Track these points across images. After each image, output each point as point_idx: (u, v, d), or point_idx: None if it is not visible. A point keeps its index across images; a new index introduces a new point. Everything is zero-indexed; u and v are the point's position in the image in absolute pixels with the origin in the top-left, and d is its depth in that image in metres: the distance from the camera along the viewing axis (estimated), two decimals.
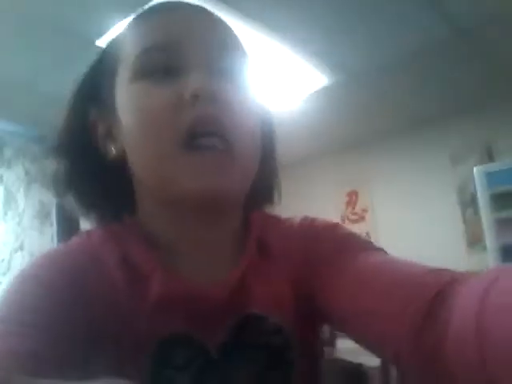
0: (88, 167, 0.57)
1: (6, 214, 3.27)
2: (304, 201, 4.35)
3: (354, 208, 4.24)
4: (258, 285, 0.54)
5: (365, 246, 0.55)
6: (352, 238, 0.57)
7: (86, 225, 0.78)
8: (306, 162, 4.33)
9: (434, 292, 0.43)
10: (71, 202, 0.58)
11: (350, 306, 0.50)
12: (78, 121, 0.57)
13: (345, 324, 0.52)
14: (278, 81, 2.93)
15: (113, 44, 0.58)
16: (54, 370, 0.39)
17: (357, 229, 4.12)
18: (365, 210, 4.17)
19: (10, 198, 3.31)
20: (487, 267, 1.64)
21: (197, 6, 0.55)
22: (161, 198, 0.52)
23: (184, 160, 0.48)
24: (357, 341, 0.52)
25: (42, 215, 3.36)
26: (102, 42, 2.42)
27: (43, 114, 3.22)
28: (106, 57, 0.58)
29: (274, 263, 0.57)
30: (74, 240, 0.55)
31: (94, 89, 0.57)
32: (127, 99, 0.52)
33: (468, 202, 3.54)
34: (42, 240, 3.29)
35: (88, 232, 0.56)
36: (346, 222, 4.24)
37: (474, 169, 1.22)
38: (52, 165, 0.58)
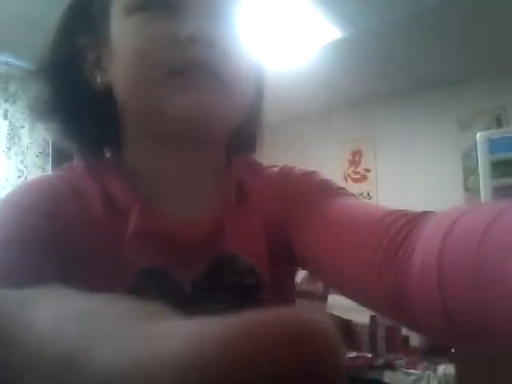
0: (72, 94, 0.56)
1: (9, 149, 3.27)
2: (307, 156, 4.34)
3: (356, 167, 4.23)
4: (234, 228, 0.55)
5: (339, 191, 0.56)
6: (327, 183, 0.58)
7: None
8: (311, 117, 4.29)
9: (393, 230, 0.44)
10: (53, 129, 0.58)
11: (318, 247, 0.51)
12: (65, 46, 0.56)
13: (316, 266, 0.54)
14: (288, 31, 2.86)
15: None
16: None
17: (358, 188, 4.14)
18: (367, 170, 4.17)
19: (13, 134, 3.30)
20: None
21: None
22: (147, 126, 0.53)
23: (172, 83, 0.49)
24: (327, 283, 0.55)
25: (45, 153, 3.36)
26: None
27: None
28: None
29: (251, 208, 0.57)
30: (57, 172, 0.56)
31: (86, 16, 0.56)
32: (123, 31, 0.51)
33: (472, 170, 3.53)
34: None
35: (70, 165, 0.57)
36: (348, 180, 4.25)
37: (478, 134, 1.20)
38: (34, 88, 0.57)
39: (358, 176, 4.22)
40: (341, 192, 0.56)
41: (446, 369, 2.41)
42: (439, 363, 2.50)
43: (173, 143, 0.53)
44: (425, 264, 0.39)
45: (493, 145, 1.17)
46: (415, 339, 2.90)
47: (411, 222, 0.44)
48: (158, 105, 0.49)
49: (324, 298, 2.86)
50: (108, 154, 0.62)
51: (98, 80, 0.55)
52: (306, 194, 0.57)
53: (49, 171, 3.26)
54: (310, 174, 0.60)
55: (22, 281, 0.40)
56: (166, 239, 0.52)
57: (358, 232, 0.47)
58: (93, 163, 0.56)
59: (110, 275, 0.50)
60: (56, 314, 0.24)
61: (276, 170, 0.62)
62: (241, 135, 0.61)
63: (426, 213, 0.45)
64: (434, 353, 2.67)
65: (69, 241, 0.49)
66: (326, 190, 0.56)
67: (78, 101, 0.57)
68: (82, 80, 0.56)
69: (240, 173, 0.60)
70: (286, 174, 0.61)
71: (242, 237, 0.55)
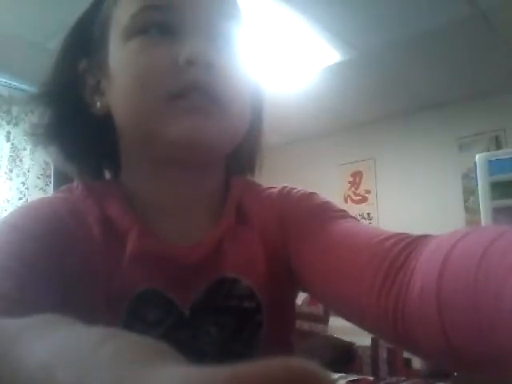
0: (71, 118, 0.57)
1: (11, 171, 3.28)
2: (307, 177, 4.35)
3: (357, 189, 4.24)
4: (233, 249, 0.55)
5: (339, 213, 0.56)
6: (327, 205, 0.58)
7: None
8: (311, 139, 4.32)
9: (393, 253, 0.44)
10: (53, 152, 0.58)
11: (319, 269, 0.51)
12: (66, 70, 0.57)
13: (316, 287, 0.54)
14: (289, 54, 2.90)
15: None
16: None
17: (358, 209, 4.14)
18: (368, 191, 4.17)
19: (15, 156, 3.32)
20: None
21: None
22: (145, 150, 0.53)
23: (172, 107, 0.48)
24: (327, 305, 0.54)
25: (46, 175, 3.37)
26: None
27: None
28: (100, 7, 0.57)
29: (251, 229, 0.57)
30: (56, 194, 0.55)
31: (86, 40, 0.57)
32: (122, 56, 0.51)
33: (471, 190, 3.54)
34: None
35: (69, 187, 0.57)
36: (349, 201, 4.25)
37: (477, 156, 1.21)
38: (35, 112, 0.57)
39: (358, 197, 4.23)
40: (341, 214, 0.56)
41: None
42: None
43: (171, 166, 0.53)
44: (424, 287, 0.39)
45: (492, 166, 1.18)
46: (417, 362, 2.87)
47: (411, 244, 0.45)
48: (157, 130, 0.49)
49: (325, 321, 2.84)
50: (107, 175, 0.63)
51: (98, 105, 0.55)
52: (305, 215, 0.57)
53: (50, 193, 3.27)
54: (309, 196, 0.60)
55: (20, 305, 0.40)
56: (164, 261, 0.51)
57: (358, 254, 0.47)
58: (92, 185, 0.56)
59: (108, 297, 0.49)
60: (47, 352, 0.23)
61: (276, 190, 0.62)
62: (239, 157, 0.61)
63: (425, 236, 0.45)
64: (436, 376, 2.64)
65: (68, 263, 0.48)
66: (326, 211, 0.56)
67: (77, 125, 0.57)
68: (82, 104, 0.56)
69: (239, 194, 0.59)
70: (286, 194, 0.61)
71: (241, 258, 0.55)
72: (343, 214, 0.56)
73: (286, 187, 0.62)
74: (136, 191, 0.55)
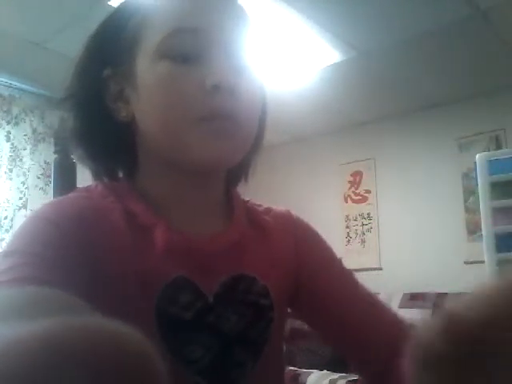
0: (93, 122, 0.60)
1: (11, 171, 3.28)
2: (307, 177, 4.36)
3: (357, 188, 4.24)
4: (251, 250, 0.62)
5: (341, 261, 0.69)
6: (329, 248, 0.70)
7: (81, 184, 0.80)
8: (311, 139, 4.32)
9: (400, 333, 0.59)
10: (75, 153, 0.62)
11: (334, 312, 0.64)
12: (89, 76, 0.60)
13: (322, 309, 0.65)
14: (289, 54, 2.90)
15: (139, 8, 0.59)
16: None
17: (358, 209, 4.14)
18: (368, 191, 4.18)
19: (15, 156, 3.32)
20: (484, 255, 1.66)
21: None
22: (169, 162, 0.58)
23: (197, 131, 0.53)
24: (325, 340, 0.68)
25: (46, 175, 3.38)
26: (114, 2, 2.40)
27: (53, 73, 3.21)
28: (129, 18, 0.59)
29: (267, 237, 0.64)
30: (76, 193, 0.58)
31: (110, 49, 0.59)
32: (151, 75, 0.55)
33: (471, 190, 3.54)
34: (46, 200, 3.31)
35: (88, 188, 0.60)
36: (349, 201, 4.25)
37: (477, 156, 1.22)
38: (60, 116, 0.62)
39: (358, 197, 4.23)
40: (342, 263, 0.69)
41: None
42: None
43: (186, 173, 0.59)
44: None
45: (492, 166, 1.19)
46: None
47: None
48: (183, 150, 0.55)
49: None
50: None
51: (121, 112, 0.59)
52: (320, 249, 0.68)
53: (50, 193, 3.26)
54: (316, 232, 0.71)
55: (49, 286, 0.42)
56: (190, 251, 0.56)
57: (377, 311, 0.64)
58: (110, 185, 0.60)
59: (136, 288, 0.52)
60: None
61: (285, 211, 0.70)
62: (238, 165, 0.65)
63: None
64: None
65: (96, 257, 0.51)
66: (335, 256, 0.69)
67: (98, 128, 0.60)
68: (104, 109, 0.59)
69: (243, 202, 0.67)
70: (297, 219, 0.70)
71: (259, 260, 0.62)
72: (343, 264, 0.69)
73: (290, 213, 0.71)
74: (151, 191, 0.59)
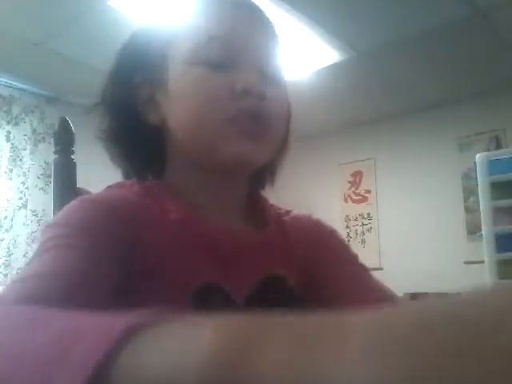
0: (125, 125, 0.63)
1: (11, 171, 3.28)
2: (307, 177, 4.36)
3: (357, 188, 4.24)
4: (281, 252, 0.63)
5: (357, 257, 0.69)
6: (346, 246, 0.71)
7: (81, 184, 0.80)
8: (311, 139, 4.32)
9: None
10: (109, 153, 0.65)
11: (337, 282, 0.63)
12: (122, 82, 0.63)
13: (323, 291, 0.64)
14: (288, 54, 2.90)
15: (171, 17, 0.62)
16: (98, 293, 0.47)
17: (358, 209, 4.14)
18: (368, 191, 4.18)
19: (15, 156, 3.32)
20: (483, 255, 1.65)
21: (258, 7, 0.64)
22: (197, 161, 0.60)
23: (225, 131, 0.56)
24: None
25: (47, 175, 3.37)
26: (114, 2, 2.40)
27: (53, 73, 3.22)
28: (162, 27, 0.63)
29: (287, 238, 0.66)
30: (113, 190, 0.60)
31: (142, 55, 0.62)
32: (184, 81, 0.58)
33: (471, 190, 3.54)
34: (46, 199, 3.31)
35: (123, 184, 0.62)
36: (349, 201, 4.25)
37: (477, 156, 1.21)
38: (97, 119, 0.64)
39: (358, 197, 4.23)
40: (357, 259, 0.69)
41: None
42: None
43: (215, 173, 0.61)
44: None
45: (492, 166, 1.18)
46: None
47: None
48: (212, 151, 0.57)
49: None
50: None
51: (152, 115, 0.61)
52: (338, 250, 0.68)
53: (50, 193, 3.26)
54: (336, 233, 0.71)
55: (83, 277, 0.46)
56: (223, 247, 0.58)
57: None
58: (145, 184, 0.62)
59: (169, 288, 0.53)
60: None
61: (305, 214, 0.72)
62: (265, 167, 0.68)
63: None
64: None
65: (136, 247, 0.53)
66: (352, 254, 0.69)
67: (130, 131, 0.63)
68: (135, 113, 0.62)
69: (270, 204, 0.69)
70: (317, 222, 0.71)
71: (287, 261, 0.63)
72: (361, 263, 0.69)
73: (310, 216, 0.72)
74: (180, 190, 0.61)
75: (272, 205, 0.70)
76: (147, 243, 0.54)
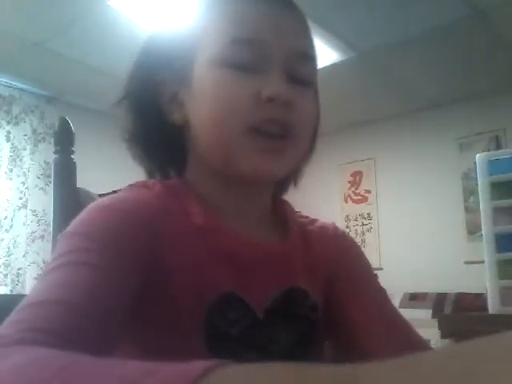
0: (148, 123, 0.62)
1: (11, 171, 3.29)
2: (307, 177, 4.35)
3: (357, 188, 4.24)
4: (303, 263, 0.61)
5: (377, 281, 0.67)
6: (369, 265, 0.69)
7: (81, 184, 0.80)
8: None
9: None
10: (132, 153, 0.63)
11: (355, 314, 0.61)
12: (145, 78, 0.61)
13: (347, 335, 0.62)
14: None
15: (199, 15, 0.60)
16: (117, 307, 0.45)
17: (358, 209, 4.14)
18: (368, 191, 4.18)
19: (15, 156, 3.32)
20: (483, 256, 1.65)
21: (289, 2, 0.59)
22: (217, 167, 0.58)
23: (248, 142, 0.54)
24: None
25: (47, 175, 3.37)
26: (114, 2, 2.40)
27: (53, 73, 3.22)
28: (189, 24, 0.60)
29: (315, 253, 0.64)
30: (137, 190, 0.58)
31: (165, 52, 0.60)
32: (209, 82, 0.56)
33: (471, 190, 3.54)
34: (46, 199, 3.32)
35: (145, 184, 0.60)
36: (349, 201, 4.25)
37: (477, 156, 1.21)
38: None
39: (358, 197, 4.23)
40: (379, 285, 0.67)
41: None
42: None
43: (233, 181, 0.59)
44: None
45: (492, 166, 1.18)
46: None
47: None
48: (233, 161, 0.55)
49: None
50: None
51: (175, 114, 0.59)
52: (357, 267, 0.66)
53: (50, 193, 3.27)
54: (358, 247, 0.69)
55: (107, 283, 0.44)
56: (244, 257, 0.56)
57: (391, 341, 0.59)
58: (167, 183, 0.60)
59: (187, 296, 0.52)
60: None
61: (331, 226, 0.69)
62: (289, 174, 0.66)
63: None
64: None
65: (152, 249, 0.51)
66: (370, 272, 0.67)
67: (153, 130, 0.62)
68: (158, 112, 0.60)
69: (294, 214, 0.66)
70: (341, 236, 0.69)
71: (309, 274, 0.61)
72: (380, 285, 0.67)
73: (336, 226, 0.70)
74: (200, 192, 0.59)
75: (297, 212, 0.68)
76: (167, 252, 0.52)
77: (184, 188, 0.59)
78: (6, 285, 3.12)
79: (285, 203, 0.67)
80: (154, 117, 0.61)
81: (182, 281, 0.52)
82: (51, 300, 0.41)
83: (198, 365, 0.25)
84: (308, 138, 0.60)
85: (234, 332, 0.53)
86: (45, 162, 3.40)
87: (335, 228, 0.69)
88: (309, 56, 0.59)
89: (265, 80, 0.54)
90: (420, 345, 0.59)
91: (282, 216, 0.65)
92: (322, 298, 0.62)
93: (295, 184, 0.69)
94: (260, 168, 0.54)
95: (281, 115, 0.54)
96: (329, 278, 0.64)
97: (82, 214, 0.51)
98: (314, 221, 0.69)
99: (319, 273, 0.63)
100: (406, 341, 0.59)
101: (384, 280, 0.66)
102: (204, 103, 0.56)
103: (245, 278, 0.56)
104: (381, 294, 0.64)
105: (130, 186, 0.59)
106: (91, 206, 0.53)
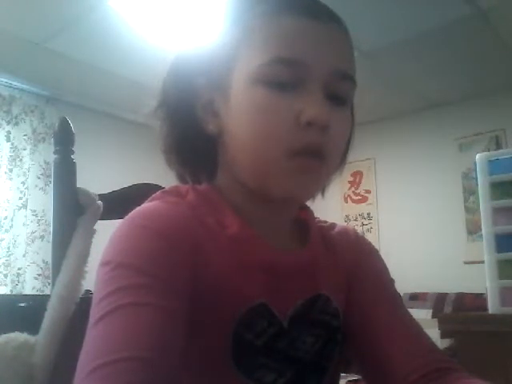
0: (183, 130, 0.61)
1: (11, 171, 3.28)
2: None
3: (357, 188, 4.24)
4: (326, 270, 0.62)
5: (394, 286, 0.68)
6: (387, 269, 0.70)
7: (81, 184, 0.80)
8: None
9: (434, 367, 0.56)
10: (165, 158, 0.63)
11: (371, 322, 0.62)
12: (183, 83, 0.60)
13: (359, 339, 0.63)
14: None
15: (244, 25, 0.57)
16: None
17: (358, 209, 4.14)
18: (368, 191, 4.18)
19: (15, 156, 3.32)
20: (483, 256, 1.65)
21: (333, 16, 0.59)
22: (247, 184, 0.58)
23: (285, 167, 0.53)
24: (359, 365, 0.65)
25: (47, 175, 3.38)
26: (114, 2, 2.40)
27: (53, 73, 3.22)
28: (232, 32, 0.58)
29: (337, 257, 0.64)
30: (169, 198, 0.57)
31: (208, 58, 0.59)
32: (246, 99, 0.54)
33: (471, 190, 3.54)
34: (46, 199, 3.32)
35: (177, 190, 0.60)
36: (349, 201, 4.25)
37: (477, 156, 1.21)
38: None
39: (358, 197, 4.23)
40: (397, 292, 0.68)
41: None
42: None
43: (266, 199, 0.58)
44: None
45: (492, 166, 1.18)
46: None
47: (450, 369, 0.57)
48: (267, 183, 0.55)
49: None
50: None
51: (210, 125, 0.59)
52: (376, 274, 0.67)
53: (50, 193, 3.26)
54: (377, 252, 0.71)
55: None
56: (276, 270, 0.56)
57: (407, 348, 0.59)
58: (200, 191, 0.60)
59: (219, 307, 0.52)
60: None
61: (352, 232, 0.70)
62: None
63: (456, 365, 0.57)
64: None
65: (193, 267, 0.51)
66: (389, 279, 0.68)
67: (187, 137, 0.61)
68: (194, 119, 0.60)
69: (316, 222, 0.67)
70: (362, 240, 0.70)
71: (332, 281, 0.62)
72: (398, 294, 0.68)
73: (355, 231, 0.71)
74: (230, 200, 0.59)
75: (315, 218, 0.68)
76: (203, 266, 0.52)
77: (216, 195, 0.59)
78: (5, 285, 3.12)
79: (307, 209, 0.67)
80: (189, 125, 0.60)
81: (213, 293, 0.52)
82: (125, 357, 0.41)
83: None
84: (339, 159, 0.61)
85: (259, 342, 0.53)
86: (45, 162, 3.40)
87: (355, 232, 0.70)
88: (348, 75, 0.58)
89: (304, 101, 0.53)
90: (431, 348, 0.60)
91: (303, 222, 0.65)
92: (343, 302, 0.63)
93: (322, 194, 0.67)
94: (295, 191, 0.55)
95: (319, 139, 0.53)
96: (349, 281, 0.64)
97: (119, 238, 0.50)
98: (333, 225, 0.69)
99: (341, 278, 0.63)
100: (418, 344, 0.60)
101: None
102: (241, 122, 0.55)
103: (275, 287, 0.56)
104: (396, 299, 0.65)
105: (163, 192, 0.59)
106: (126, 225, 0.52)
